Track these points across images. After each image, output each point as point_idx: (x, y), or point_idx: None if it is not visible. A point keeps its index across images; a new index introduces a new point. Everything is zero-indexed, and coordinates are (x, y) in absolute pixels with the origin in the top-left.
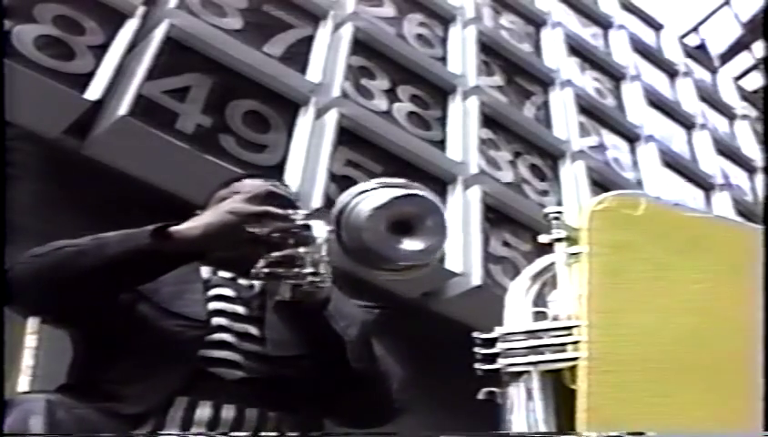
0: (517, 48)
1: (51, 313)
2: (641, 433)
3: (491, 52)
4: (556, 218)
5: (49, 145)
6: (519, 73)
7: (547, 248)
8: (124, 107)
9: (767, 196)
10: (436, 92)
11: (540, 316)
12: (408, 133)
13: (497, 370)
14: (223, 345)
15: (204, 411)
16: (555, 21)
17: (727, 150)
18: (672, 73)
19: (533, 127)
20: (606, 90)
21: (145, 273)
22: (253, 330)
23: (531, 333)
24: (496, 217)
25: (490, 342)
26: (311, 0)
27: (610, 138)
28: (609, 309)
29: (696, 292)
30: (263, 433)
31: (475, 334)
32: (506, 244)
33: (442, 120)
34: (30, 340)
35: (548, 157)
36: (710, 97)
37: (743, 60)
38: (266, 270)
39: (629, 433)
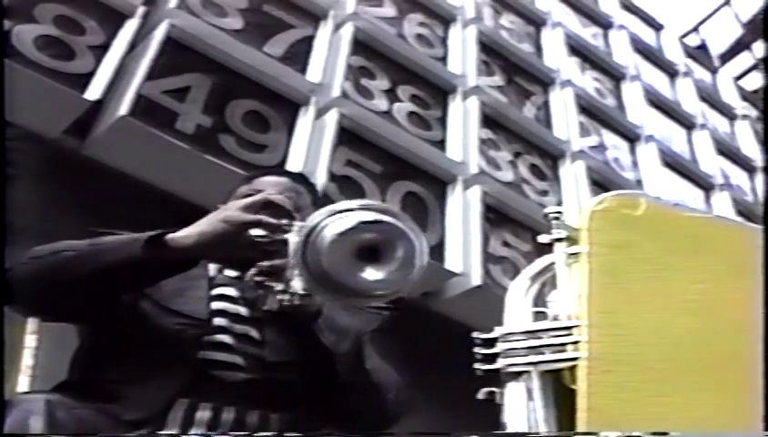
0: (517, 48)
1: (50, 314)
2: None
3: (491, 52)
4: (556, 218)
5: (49, 145)
6: (519, 73)
7: (547, 249)
8: (124, 107)
9: (767, 196)
10: (436, 92)
11: (540, 316)
12: (408, 133)
13: (497, 370)
14: (223, 347)
15: (204, 413)
16: (555, 21)
17: (727, 150)
18: (672, 73)
19: (533, 127)
20: (606, 90)
21: (139, 281)
22: (253, 332)
23: (531, 333)
24: (496, 217)
25: (490, 342)
26: (311, 0)
27: (610, 138)
28: (609, 310)
29: (696, 292)
30: (264, 434)
31: (475, 334)
32: (506, 244)
33: (442, 120)
34: (30, 340)
35: (548, 157)
36: (710, 97)
37: (743, 60)
38: (256, 279)
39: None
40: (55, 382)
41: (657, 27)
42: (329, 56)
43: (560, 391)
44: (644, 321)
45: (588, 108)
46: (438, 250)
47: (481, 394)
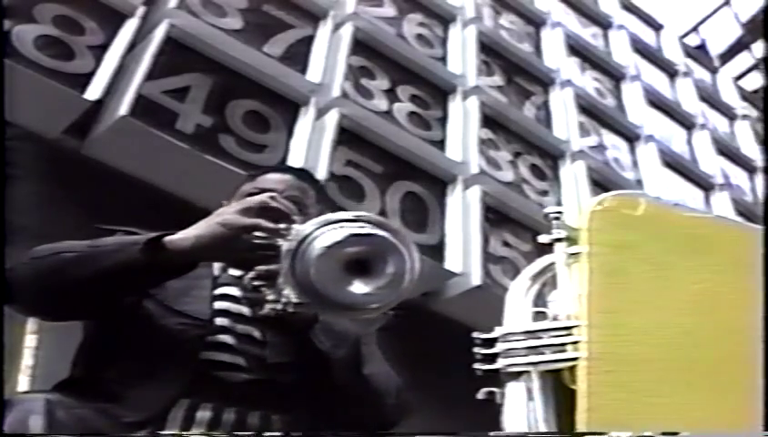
0: (517, 48)
1: (50, 315)
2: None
3: (491, 52)
4: (556, 218)
5: (49, 145)
6: (519, 73)
7: (547, 249)
8: (124, 107)
9: (767, 196)
10: (436, 92)
11: (540, 316)
12: (408, 133)
13: (497, 370)
14: (225, 347)
15: (204, 414)
16: (555, 21)
17: (727, 150)
18: (672, 73)
19: (533, 127)
20: (606, 90)
21: (138, 283)
22: (256, 333)
23: (531, 333)
24: (496, 217)
25: (490, 342)
26: (311, 0)
27: (610, 138)
28: (609, 309)
29: (696, 292)
30: (266, 434)
31: (475, 334)
32: (506, 244)
33: (442, 120)
34: (30, 340)
35: (548, 157)
36: (710, 97)
37: (743, 60)
38: (253, 283)
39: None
40: (55, 382)
41: (657, 27)
42: (329, 56)
43: (560, 391)
44: (644, 321)
45: (588, 108)
46: (438, 250)
47: (481, 394)
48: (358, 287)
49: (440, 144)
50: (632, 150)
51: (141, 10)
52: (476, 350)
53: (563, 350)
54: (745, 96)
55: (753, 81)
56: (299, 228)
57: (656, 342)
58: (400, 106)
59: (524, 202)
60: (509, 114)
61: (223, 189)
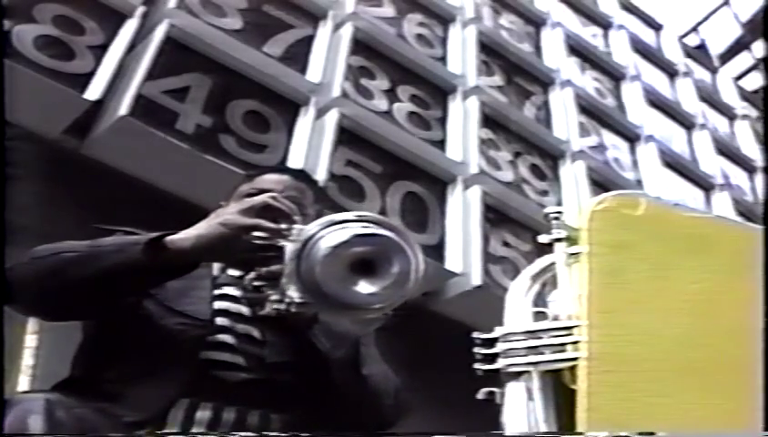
0: (517, 48)
1: (50, 315)
2: (652, 433)
3: (491, 52)
4: (556, 218)
5: (49, 145)
6: (519, 73)
7: (547, 249)
8: (124, 107)
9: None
10: (436, 92)
11: (540, 316)
12: (408, 133)
13: (497, 370)
14: (224, 347)
15: (204, 413)
16: (555, 21)
17: (727, 150)
18: (672, 73)
19: (533, 127)
20: (606, 90)
21: (138, 283)
22: (255, 332)
23: (531, 333)
24: (496, 217)
25: (490, 342)
26: (311, 0)
27: (610, 138)
28: (609, 309)
29: (696, 292)
30: (268, 434)
31: (475, 334)
32: (506, 244)
33: (442, 120)
34: (30, 340)
35: (548, 157)
36: (710, 97)
37: (743, 60)
38: (254, 283)
39: (638, 433)
40: (55, 382)
41: (656, 27)
42: (329, 56)
43: (560, 391)
44: (644, 321)
45: (588, 108)
46: (438, 250)
47: (481, 394)
48: (364, 287)
49: (440, 144)
50: (632, 150)
51: (141, 10)
52: (476, 350)
53: (563, 350)
54: (745, 96)
55: (753, 81)
56: (304, 229)
57: (656, 342)
58: (400, 106)
59: (524, 202)
60: (509, 114)
61: (223, 189)
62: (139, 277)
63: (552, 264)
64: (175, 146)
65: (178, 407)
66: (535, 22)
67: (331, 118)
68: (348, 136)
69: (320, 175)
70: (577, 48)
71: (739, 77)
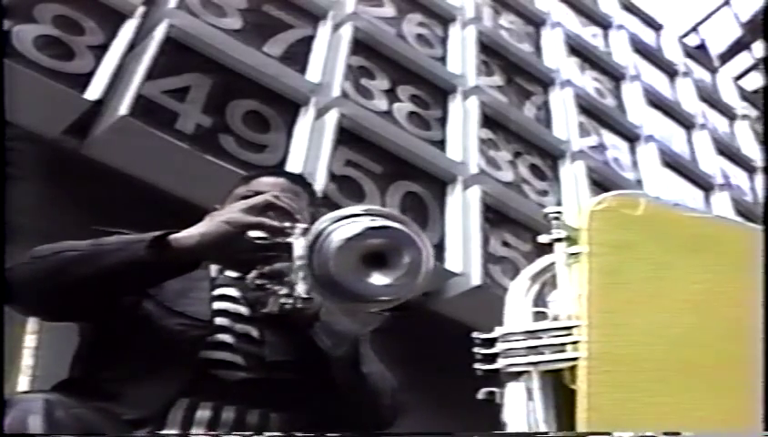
0: (517, 48)
1: (51, 314)
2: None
3: (491, 52)
4: (556, 218)
5: (49, 145)
6: (519, 73)
7: (547, 249)
8: (124, 107)
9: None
10: (436, 92)
11: (540, 316)
12: (408, 133)
13: (497, 370)
14: (223, 346)
15: (204, 413)
16: (555, 21)
17: (727, 150)
18: (671, 73)
19: (533, 127)
20: (606, 90)
21: (141, 282)
22: (254, 331)
23: (531, 333)
24: (496, 217)
25: (490, 342)
26: (311, 0)
27: (610, 138)
28: (609, 309)
29: (696, 292)
30: (269, 434)
31: (475, 334)
32: (506, 244)
33: (442, 120)
34: (30, 340)
35: (548, 157)
36: (710, 97)
37: (743, 60)
38: (257, 282)
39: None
40: (54, 382)
41: (656, 27)
42: (329, 56)
43: (560, 391)
44: (644, 321)
45: (588, 108)
46: (438, 250)
47: (481, 394)
48: (378, 278)
49: (440, 144)
50: (632, 150)
51: (141, 10)
52: (476, 350)
53: (563, 350)
54: (745, 96)
55: (753, 81)
56: (314, 225)
57: (656, 342)
58: (400, 106)
59: (524, 202)
60: (509, 114)
61: (223, 189)
62: (142, 275)
63: (552, 264)
64: (175, 146)
65: (178, 406)
66: (535, 22)
67: (331, 118)
68: (348, 136)
69: (320, 175)
70: (577, 48)
71: (739, 77)
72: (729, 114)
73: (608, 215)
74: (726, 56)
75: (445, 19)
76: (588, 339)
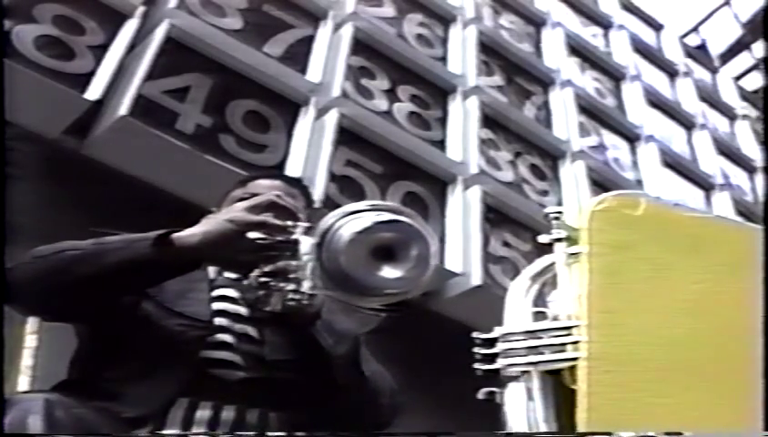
0: (517, 48)
1: (50, 315)
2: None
3: (491, 52)
4: (556, 218)
5: (49, 145)
6: (519, 73)
7: (547, 249)
8: (124, 107)
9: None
10: (436, 92)
11: (540, 316)
12: (408, 133)
13: (497, 370)
14: (223, 346)
15: (204, 412)
16: (555, 21)
17: (727, 150)
18: (671, 73)
19: (533, 127)
20: (606, 90)
21: (143, 282)
22: (252, 331)
23: (531, 333)
24: (496, 217)
25: (490, 342)
26: (311, 0)
27: (610, 138)
28: (609, 309)
29: (696, 292)
30: (271, 434)
31: (475, 334)
32: (506, 244)
33: (442, 120)
34: (30, 340)
35: (548, 157)
36: (710, 97)
37: (743, 60)
38: (260, 280)
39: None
40: (55, 382)
41: (657, 27)
42: (329, 56)
43: (560, 391)
44: (644, 321)
45: (588, 108)
46: (438, 250)
47: (481, 394)
48: (388, 272)
49: (440, 144)
50: (632, 150)
51: (141, 10)
52: (476, 350)
53: (563, 350)
54: (745, 96)
55: (753, 81)
56: (321, 222)
57: (656, 342)
58: (400, 106)
59: (524, 202)
60: (509, 114)
61: (223, 190)
62: (145, 273)
63: (552, 264)
64: (175, 146)
65: (178, 406)
66: (535, 22)
67: (331, 118)
68: (348, 136)
69: (320, 175)
70: (577, 48)
71: (739, 77)
72: (729, 114)
73: (608, 215)
74: (726, 56)
75: (445, 19)
76: (588, 339)
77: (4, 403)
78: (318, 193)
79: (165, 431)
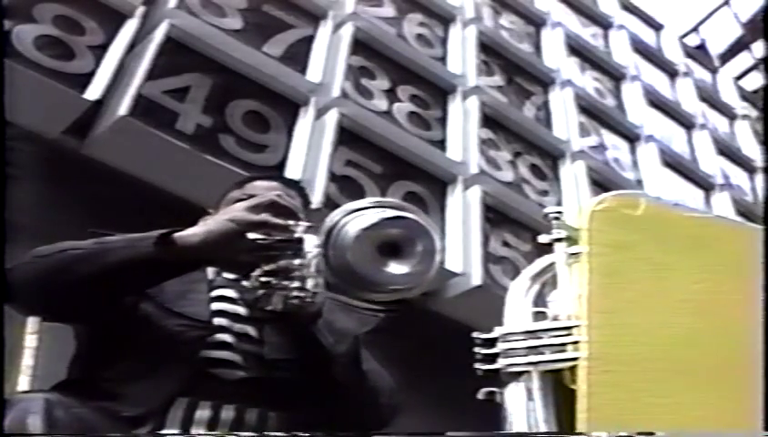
0: (517, 48)
1: (51, 314)
2: (651, 433)
3: (491, 52)
4: (556, 218)
5: (49, 145)
6: (519, 73)
7: (547, 249)
8: (124, 107)
9: (767, 196)
10: (436, 92)
11: (540, 316)
12: (408, 133)
13: (497, 370)
14: (223, 345)
15: (204, 412)
16: (555, 21)
17: (727, 150)
18: (672, 73)
19: (533, 127)
20: (606, 90)
21: (145, 281)
22: (252, 331)
23: (531, 333)
24: (496, 217)
25: (490, 342)
26: (311, 0)
27: (610, 138)
28: (609, 309)
29: (696, 292)
30: (266, 433)
31: (475, 334)
32: (506, 244)
33: (442, 120)
34: (30, 340)
35: (548, 157)
36: (710, 97)
37: (743, 60)
38: (261, 280)
39: (638, 433)
40: (55, 382)
41: (657, 27)
42: (329, 56)
43: (560, 391)
44: (644, 321)
45: (588, 108)
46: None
47: (481, 394)
48: (395, 267)
49: (440, 144)
50: (632, 150)
51: (141, 10)
52: (476, 349)
53: (563, 351)
54: (745, 96)
55: (753, 81)
56: (326, 219)
57: (656, 342)
58: (400, 106)
59: (524, 202)
60: (509, 114)
61: (223, 189)
62: (146, 273)
63: (552, 264)
64: (175, 146)
65: (178, 406)
66: (535, 22)
67: (331, 118)
68: (348, 136)
69: (320, 175)
70: (577, 48)
71: (739, 77)
72: (729, 114)
73: (608, 215)
74: (726, 56)
75: (445, 19)
76: (588, 339)
77: (4, 403)
78: (318, 193)
79: (164, 431)
